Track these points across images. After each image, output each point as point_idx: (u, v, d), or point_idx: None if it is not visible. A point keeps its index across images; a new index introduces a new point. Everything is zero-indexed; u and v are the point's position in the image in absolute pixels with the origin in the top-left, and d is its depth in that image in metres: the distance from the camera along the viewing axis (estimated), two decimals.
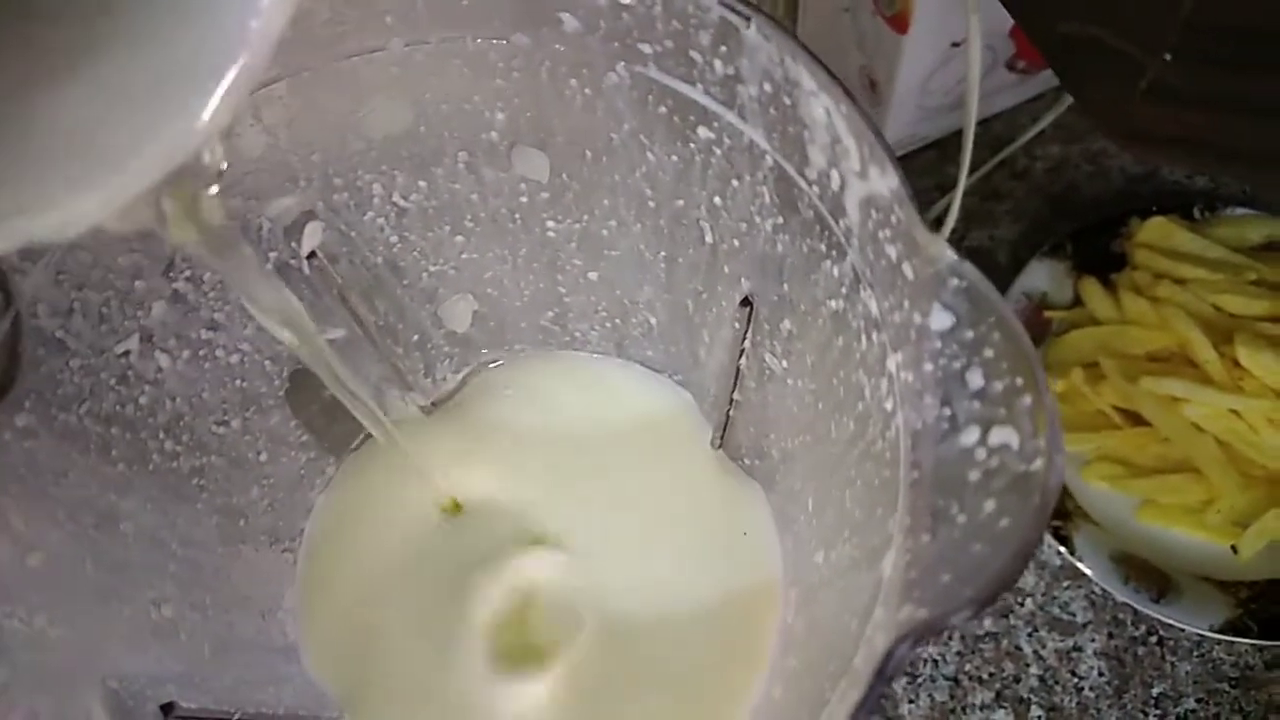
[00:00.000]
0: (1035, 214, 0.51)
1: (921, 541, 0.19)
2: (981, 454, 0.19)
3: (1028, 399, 0.18)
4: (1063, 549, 0.39)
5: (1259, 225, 0.45)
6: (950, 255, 0.18)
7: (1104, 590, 0.40)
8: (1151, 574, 0.39)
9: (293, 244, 0.30)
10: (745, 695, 0.34)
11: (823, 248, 0.23)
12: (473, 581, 0.37)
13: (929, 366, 0.20)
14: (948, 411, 0.19)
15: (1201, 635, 0.39)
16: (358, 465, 0.39)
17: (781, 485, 0.34)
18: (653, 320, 0.35)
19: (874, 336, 0.22)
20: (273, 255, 0.30)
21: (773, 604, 0.35)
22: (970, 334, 0.19)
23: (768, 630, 0.34)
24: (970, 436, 0.19)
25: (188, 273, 0.29)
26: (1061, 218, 0.49)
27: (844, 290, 0.23)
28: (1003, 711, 0.40)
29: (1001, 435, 0.18)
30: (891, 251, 0.20)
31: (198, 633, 0.31)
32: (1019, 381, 0.18)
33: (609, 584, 0.36)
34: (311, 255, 0.31)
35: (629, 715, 0.35)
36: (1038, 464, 0.18)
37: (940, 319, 0.19)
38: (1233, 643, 0.39)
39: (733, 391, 0.33)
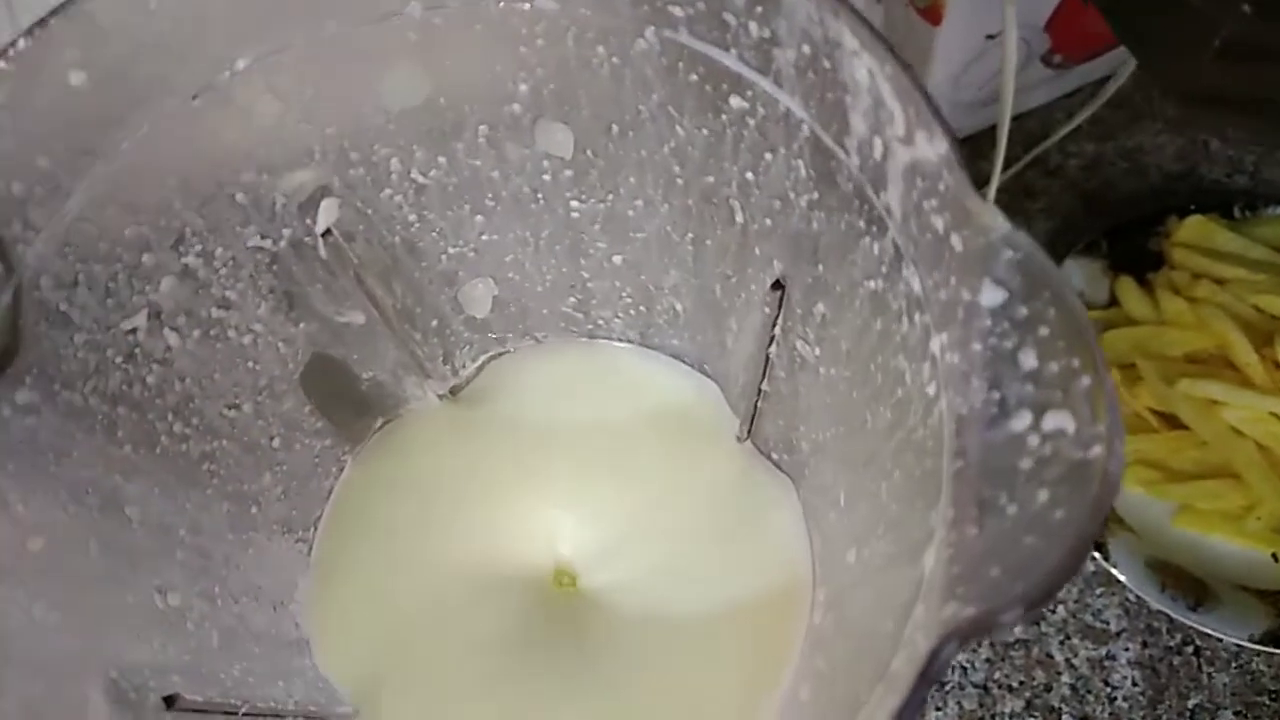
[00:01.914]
0: (1069, 212, 0.49)
1: (967, 535, 0.18)
2: (1034, 440, 0.17)
3: (1086, 380, 0.17)
4: (1097, 555, 0.38)
5: None
6: (1004, 224, 0.17)
7: (1138, 598, 0.39)
8: (1188, 582, 0.38)
9: (307, 220, 0.29)
10: (770, 697, 0.33)
11: (861, 224, 0.22)
12: (494, 575, 0.36)
13: (977, 347, 0.18)
14: (997, 395, 0.18)
15: (1240, 646, 0.38)
16: (374, 453, 0.38)
17: (811, 479, 0.33)
18: (679, 306, 0.34)
19: (916, 317, 0.21)
20: (286, 232, 0.29)
21: (801, 604, 0.33)
22: (1024, 310, 0.17)
23: (795, 630, 0.33)
24: (1022, 421, 0.18)
25: (198, 247, 0.28)
26: (1096, 216, 0.48)
27: (884, 269, 0.22)
28: None
29: (1056, 420, 0.17)
30: (938, 223, 0.19)
31: (205, 623, 0.30)
32: (1076, 362, 0.17)
33: (632, 579, 0.35)
34: (327, 233, 0.30)
35: (650, 713, 0.33)
36: (1096, 451, 0.16)
37: (991, 295, 0.18)
38: (1272, 654, 0.38)
39: (761, 381, 0.32)
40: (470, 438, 0.38)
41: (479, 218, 0.32)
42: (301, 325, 0.32)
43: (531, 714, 0.33)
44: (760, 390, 0.33)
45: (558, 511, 0.36)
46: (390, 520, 0.37)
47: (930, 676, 0.15)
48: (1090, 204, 0.49)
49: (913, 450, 0.22)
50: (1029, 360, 0.18)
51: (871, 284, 0.23)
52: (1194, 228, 0.44)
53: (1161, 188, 0.50)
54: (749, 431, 0.36)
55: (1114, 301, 0.43)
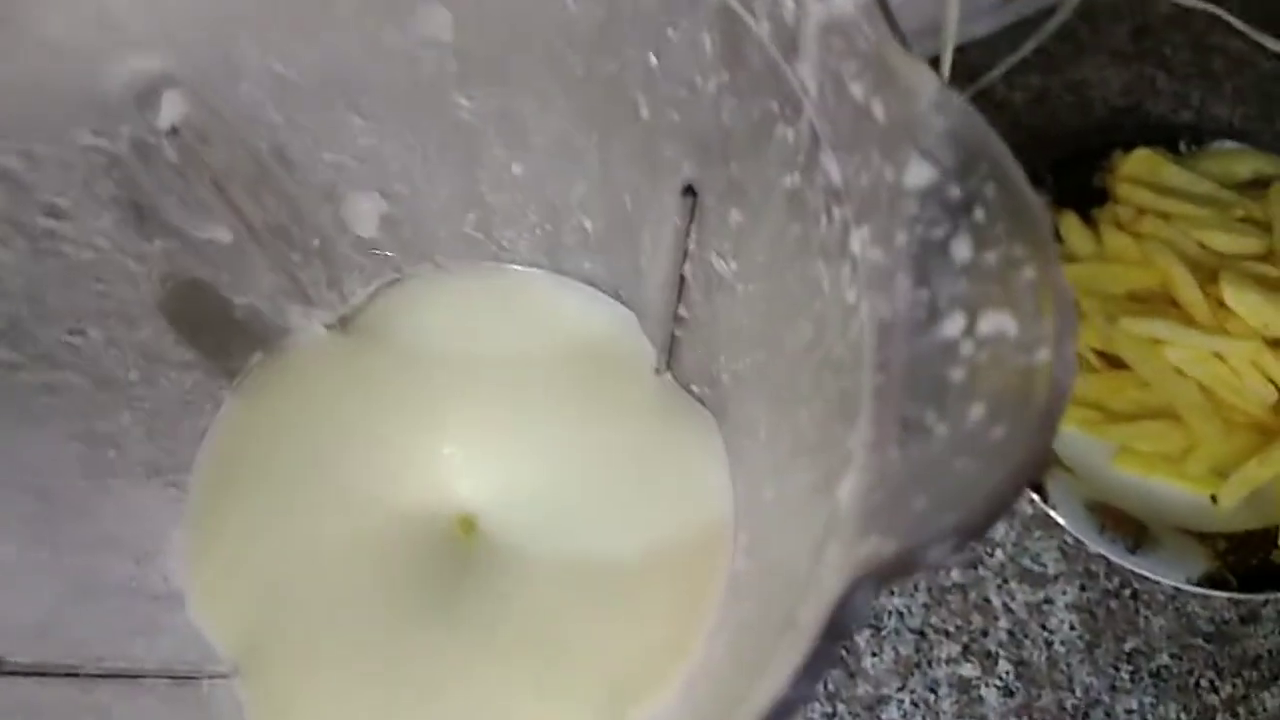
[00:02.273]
0: (1014, 146, 0.48)
1: (889, 459, 0.15)
2: (968, 347, 0.14)
3: (1029, 272, 0.14)
4: (1035, 497, 0.38)
5: (1247, 160, 0.44)
6: (934, 83, 0.14)
7: (1077, 541, 0.39)
8: (1127, 524, 0.38)
9: (147, 116, 0.25)
10: (689, 649, 0.30)
11: (775, 106, 0.19)
12: (389, 521, 0.33)
13: (902, 238, 0.15)
14: (925, 295, 0.15)
15: (1176, 589, 0.38)
16: (255, 389, 0.34)
17: (734, 415, 0.30)
18: (588, 224, 0.31)
19: (834, 212, 0.18)
20: (125, 130, 0.25)
21: (723, 549, 0.31)
22: (957, 191, 0.15)
23: (716, 578, 0.30)
24: (953, 325, 0.15)
25: (15, 144, 0.24)
26: (1041, 150, 0.47)
27: (800, 159, 0.19)
28: (970, 665, 0.38)
29: (995, 321, 0.14)
30: (857, 90, 0.16)
31: (45, 576, 0.26)
32: (1019, 250, 0.14)
33: (540, 526, 0.33)
34: (174, 132, 0.26)
35: (565, 664, 0.31)
36: (1042, 355, 0.13)
37: (918, 173, 0.15)
38: (1208, 596, 0.38)
39: (677, 304, 0.29)
40: (362, 372, 0.34)
41: (356, 119, 0.28)
42: (156, 242, 0.28)
43: (428, 671, 0.31)
44: (677, 315, 0.30)
45: (458, 452, 0.33)
46: (273, 463, 0.33)
47: (840, 626, 0.12)
48: (1035, 138, 0.48)
49: (831, 369, 0.19)
50: (963, 251, 0.15)
51: (787, 180, 0.20)
52: (1139, 161, 0.43)
53: (1107, 122, 0.49)
54: (667, 363, 0.33)
55: (1057, 238, 0.42)
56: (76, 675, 0.25)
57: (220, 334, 0.32)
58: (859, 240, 0.17)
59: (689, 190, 0.24)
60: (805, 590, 0.16)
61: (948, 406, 0.14)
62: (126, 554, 0.30)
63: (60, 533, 0.27)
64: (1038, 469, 0.13)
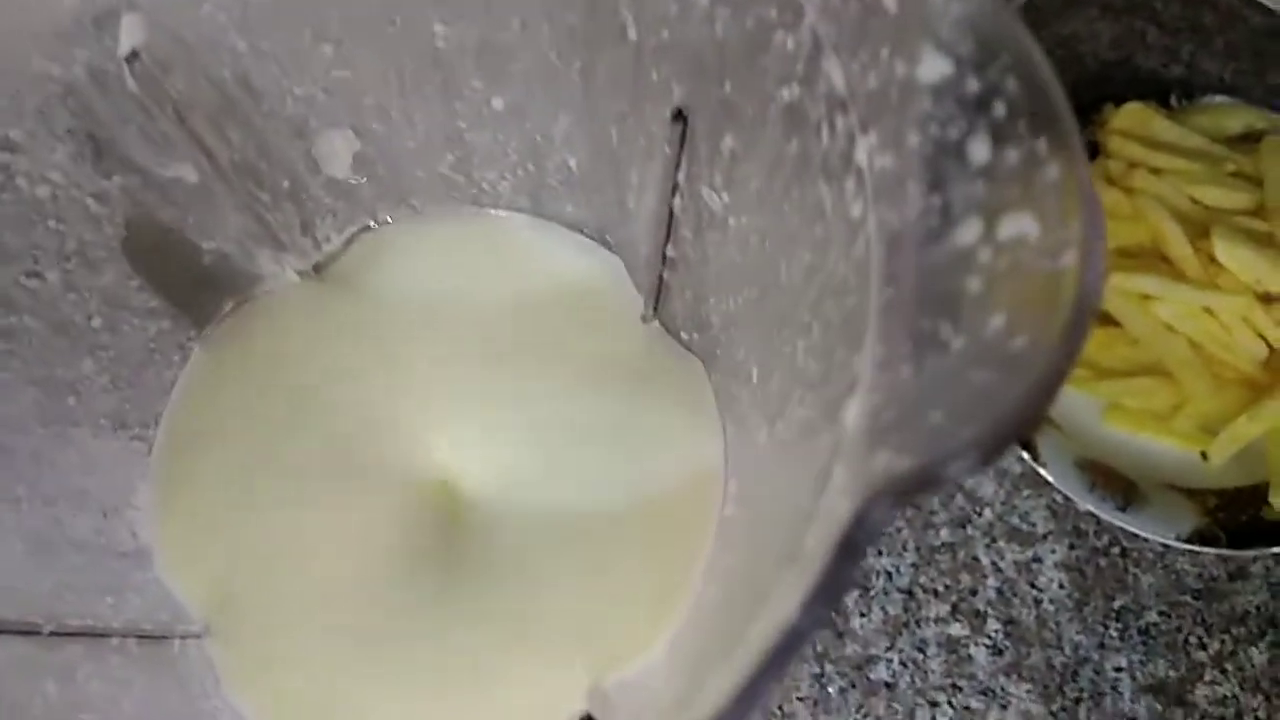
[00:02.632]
0: None
1: (901, 376, 0.14)
2: (985, 254, 0.13)
3: (1053, 171, 0.13)
4: (1025, 454, 0.37)
5: (1238, 114, 0.44)
6: None
7: (1066, 499, 0.39)
8: (1117, 481, 0.37)
9: (106, 40, 0.24)
10: (680, 601, 0.29)
11: (773, 13, 0.18)
12: (365, 476, 0.31)
13: (914, 140, 0.14)
14: (938, 201, 0.14)
15: (1165, 546, 0.38)
16: (225, 339, 0.33)
17: (723, 359, 0.29)
18: (572, 162, 0.29)
19: (837, 123, 0.17)
20: (81, 55, 0.24)
21: (712, 498, 0.30)
22: (975, 84, 0.13)
23: (705, 528, 0.30)
24: (969, 232, 0.14)
25: None
26: None
27: (799, 68, 0.18)
28: (959, 625, 0.38)
29: (1015, 225, 0.13)
30: None
31: (4, 530, 0.25)
32: (1042, 146, 0.13)
33: (523, 479, 0.31)
34: (134, 58, 0.24)
35: (544, 623, 0.30)
36: (1068, 258, 0.12)
37: (932, 66, 0.14)
38: (1196, 553, 0.38)
39: (665, 244, 0.28)
40: (337, 321, 0.33)
41: (325, 46, 0.26)
42: (115, 178, 0.27)
43: (403, 629, 0.29)
44: (665, 257, 0.28)
45: (437, 405, 0.32)
46: (244, 415, 0.32)
47: (854, 545, 0.11)
48: None
49: (833, 294, 0.18)
50: (980, 151, 0.14)
51: (785, 93, 0.18)
52: (1130, 115, 0.43)
53: (1097, 75, 0.49)
54: (655, 309, 0.31)
55: None
56: (38, 633, 0.24)
57: (187, 280, 0.31)
58: (865, 149, 0.16)
59: (679, 115, 0.23)
60: (809, 521, 0.15)
61: (964, 318, 0.13)
62: (92, 508, 0.29)
63: (20, 484, 0.26)
64: (1062, 380, 0.12)
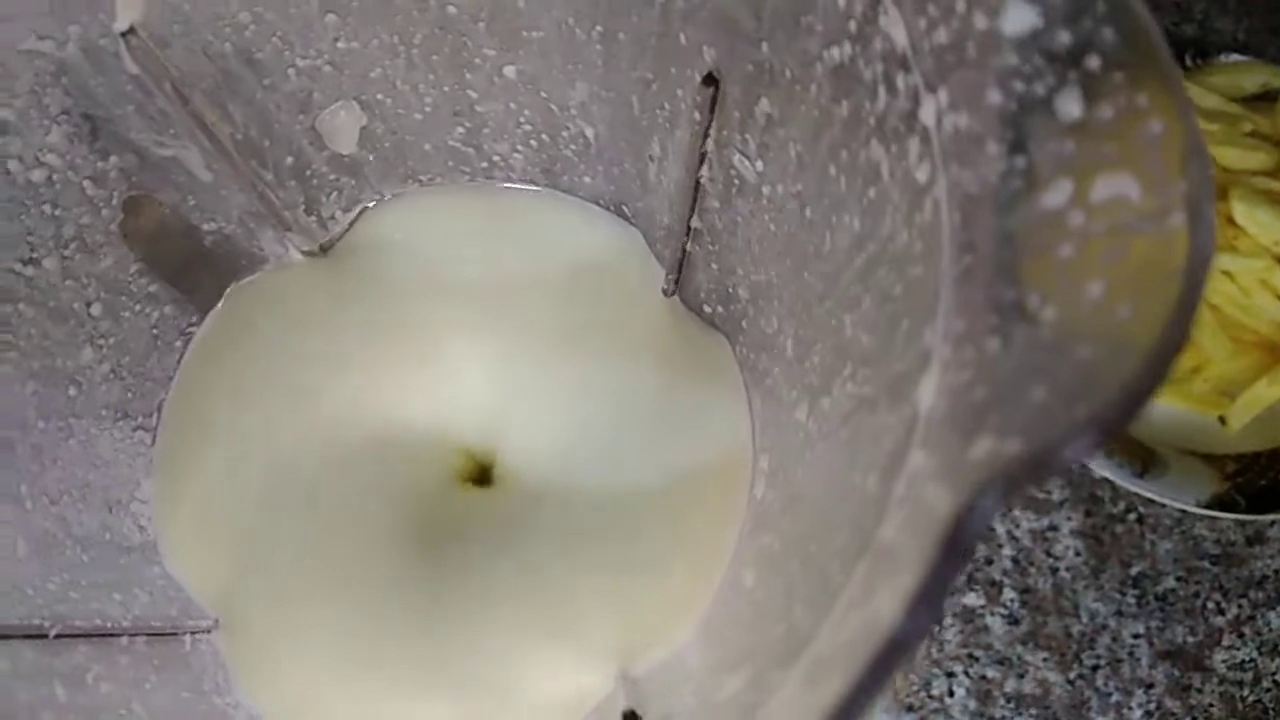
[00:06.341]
0: None
1: (988, 351, 0.13)
2: (1077, 218, 0.13)
3: (1155, 125, 0.12)
4: None
5: (1254, 73, 0.43)
6: None
7: (1081, 467, 0.38)
8: (1135, 448, 0.37)
9: (100, 15, 0.22)
10: (704, 585, 0.28)
11: None
12: (381, 461, 0.30)
13: (996, 98, 0.13)
14: (1022, 163, 0.13)
15: (1183, 512, 0.37)
16: (228, 324, 0.31)
17: (750, 333, 0.28)
18: (589, 132, 0.28)
19: (899, 81, 0.16)
20: (74, 30, 0.23)
21: (741, 477, 0.29)
22: (1066, 37, 0.12)
23: (735, 508, 0.29)
24: (1059, 195, 0.13)
25: None
26: None
27: (852, 26, 0.16)
28: (974, 594, 0.38)
29: (1112, 185, 0.12)
30: None
31: (7, 529, 0.24)
32: (1142, 100, 0.12)
33: (541, 463, 0.30)
34: (131, 33, 0.23)
35: (566, 607, 0.29)
36: (1175, 220, 0.12)
37: (1018, 17, 0.13)
38: (1214, 519, 0.38)
39: (690, 216, 0.27)
40: (344, 302, 0.32)
41: (330, 16, 0.25)
42: (113, 159, 0.26)
43: (420, 615, 0.29)
44: (689, 229, 0.27)
45: (451, 388, 0.31)
46: (250, 400, 0.31)
47: (962, 543, 0.10)
48: None
49: (889, 263, 0.17)
50: (1071, 107, 0.13)
51: (835, 52, 0.17)
52: None
53: None
54: (676, 283, 0.30)
55: None
56: (44, 636, 0.23)
57: (189, 263, 0.30)
58: (933, 108, 0.15)
59: (709, 80, 0.22)
60: (879, 508, 0.14)
61: (1055, 287, 0.13)
62: (96, 502, 0.28)
63: (22, 481, 0.25)
64: (1178, 351, 0.11)
